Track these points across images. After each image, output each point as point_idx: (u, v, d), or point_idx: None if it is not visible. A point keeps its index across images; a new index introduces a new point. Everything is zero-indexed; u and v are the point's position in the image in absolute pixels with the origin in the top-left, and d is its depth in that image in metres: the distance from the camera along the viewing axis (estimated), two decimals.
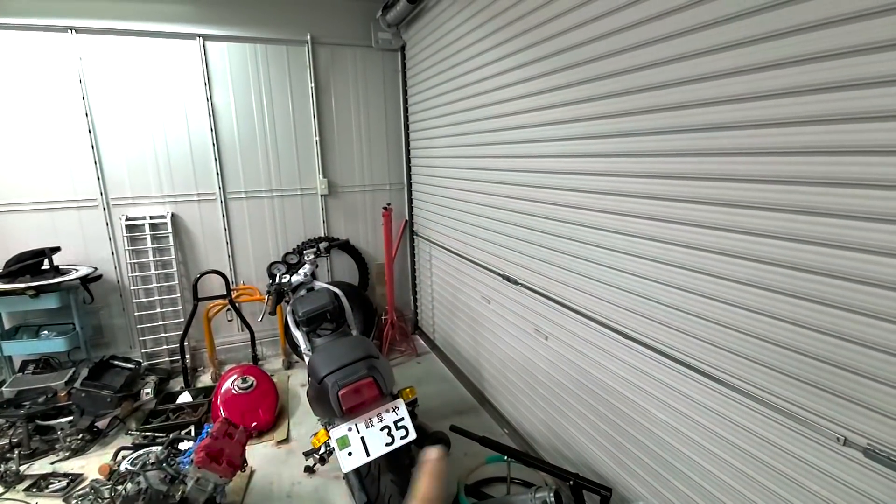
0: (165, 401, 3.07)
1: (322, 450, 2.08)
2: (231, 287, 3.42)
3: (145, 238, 3.40)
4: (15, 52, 3.01)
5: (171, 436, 2.56)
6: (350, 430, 1.56)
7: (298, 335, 2.58)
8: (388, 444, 1.57)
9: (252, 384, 2.91)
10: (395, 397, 1.69)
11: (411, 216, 4.07)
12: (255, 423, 2.75)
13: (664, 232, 1.50)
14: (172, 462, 2.02)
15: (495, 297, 2.73)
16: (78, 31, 3.07)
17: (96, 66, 3.17)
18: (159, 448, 2.58)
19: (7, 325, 3.15)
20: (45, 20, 3.02)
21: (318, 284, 2.80)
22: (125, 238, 3.36)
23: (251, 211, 3.70)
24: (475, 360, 3.12)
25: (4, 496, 2.38)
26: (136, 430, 2.77)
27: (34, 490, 2.40)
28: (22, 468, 2.52)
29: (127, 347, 3.50)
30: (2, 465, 2.51)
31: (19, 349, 3.03)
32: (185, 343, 3.32)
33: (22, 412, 2.68)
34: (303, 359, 3.36)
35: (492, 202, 2.62)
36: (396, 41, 3.75)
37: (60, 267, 3.16)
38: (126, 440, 2.75)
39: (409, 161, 3.98)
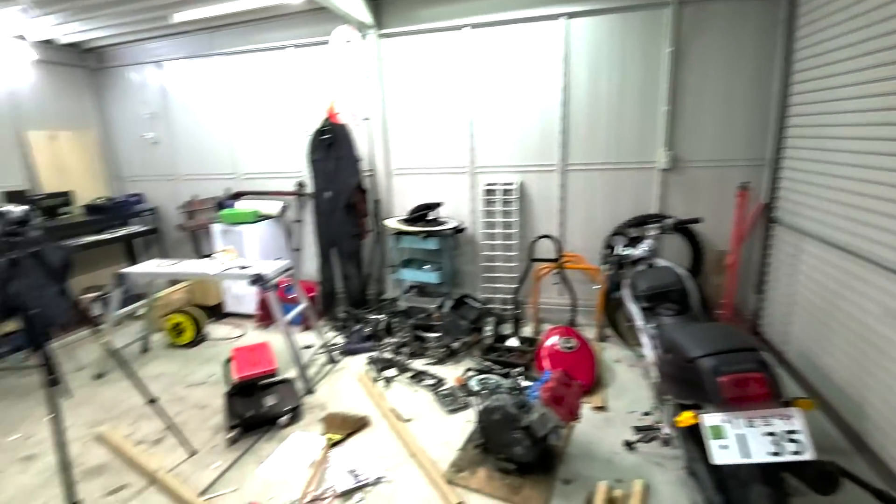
0: (498, 340, 3.59)
1: (660, 431, 2.00)
2: (560, 253, 3.65)
3: (496, 202, 3.99)
4: (422, 51, 3.93)
5: (514, 371, 2.98)
6: (727, 422, 1.41)
7: (634, 310, 2.53)
8: (773, 454, 1.35)
9: (575, 345, 3.07)
10: (786, 404, 1.44)
11: (773, 199, 3.37)
12: None
13: None
14: (520, 393, 2.33)
15: None
16: (475, 26, 3.76)
17: (474, 55, 3.82)
18: (496, 377, 3.05)
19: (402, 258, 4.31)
20: (449, 22, 3.81)
21: (661, 262, 2.67)
22: (482, 200, 4.03)
23: (585, 183, 3.82)
24: (856, 391, 2.38)
25: (396, 378, 3.28)
26: (480, 358, 3.36)
27: (414, 380, 3.23)
28: (407, 362, 3.43)
29: (472, 290, 4.25)
30: (396, 356, 3.49)
31: (410, 276, 4.10)
32: (517, 296, 3.78)
33: (411, 321, 3.63)
34: (622, 336, 3.33)
35: None
36: None
37: (437, 219, 4.07)
38: (470, 364, 3.37)
39: (781, 131, 3.27)
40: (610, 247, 2.85)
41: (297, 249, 4.70)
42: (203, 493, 2.25)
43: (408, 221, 3.94)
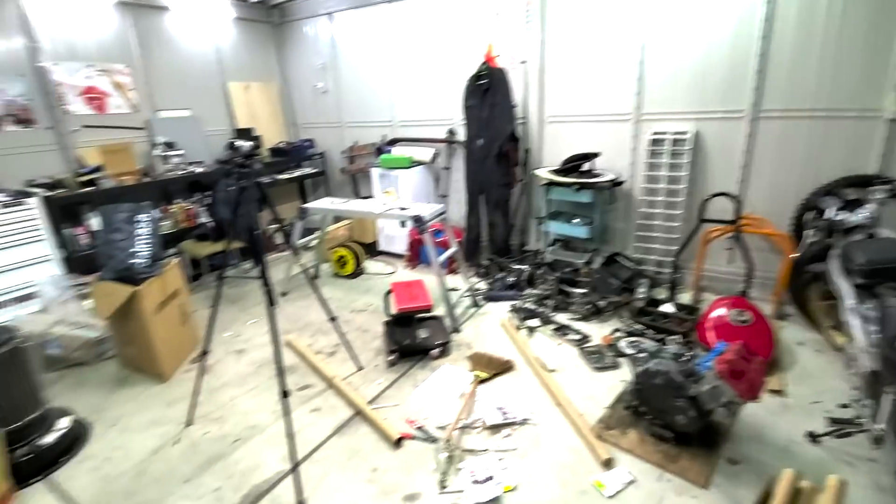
0: (650, 304, 3.35)
1: (869, 427, 1.70)
2: (738, 214, 3.19)
3: (663, 153, 3.59)
4: None
5: (670, 338, 2.78)
6: None
7: (844, 286, 2.13)
8: None
9: (749, 319, 2.73)
10: None
11: None
12: None
13: None
14: (687, 361, 2.16)
15: None
16: None
17: None
18: (649, 341, 2.88)
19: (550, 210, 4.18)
20: None
21: (885, 232, 2.17)
22: (646, 151, 3.66)
23: (780, 133, 3.22)
24: None
25: (539, 329, 3.29)
26: (630, 319, 3.18)
27: (557, 333, 3.20)
28: (550, 315, 3.41)
29: (621, 248, 3.98)
30: (539, 308, 3.48)
31: (557, 229, 3.97)
32: (678, 259, 3.44)
33: (557, 275, 3.56)
34: (809, 316, 2.85)
35: None
36: None
37: (592, 170, 3.82)
38: (618, 324, 3.22)
39: None
40: (815, 209, 2.38)
41: (443, 195, 4.87)
42: (370, 402, 2.57)
43: (560, 172, 3.77)
